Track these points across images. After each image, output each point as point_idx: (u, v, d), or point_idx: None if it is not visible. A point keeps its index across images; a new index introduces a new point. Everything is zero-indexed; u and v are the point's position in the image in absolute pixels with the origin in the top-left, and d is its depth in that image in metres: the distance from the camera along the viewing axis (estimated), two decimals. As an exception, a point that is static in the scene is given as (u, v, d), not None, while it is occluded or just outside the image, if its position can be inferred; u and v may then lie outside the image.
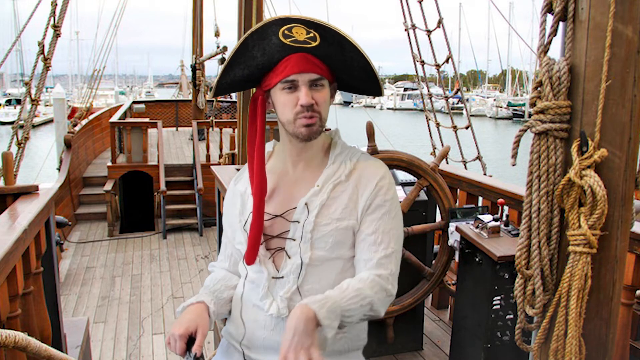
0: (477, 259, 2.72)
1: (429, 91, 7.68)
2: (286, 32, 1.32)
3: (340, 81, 1.47)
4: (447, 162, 5.63)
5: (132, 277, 6.68)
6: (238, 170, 3.87)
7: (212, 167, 4.09)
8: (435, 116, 7.22)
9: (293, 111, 1.36)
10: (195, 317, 1.39)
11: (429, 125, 7.29)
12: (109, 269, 6.97)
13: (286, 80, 1.35)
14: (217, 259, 1.69)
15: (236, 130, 5.26)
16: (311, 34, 1.32)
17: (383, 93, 1.51)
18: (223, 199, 3.58)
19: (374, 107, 62.63)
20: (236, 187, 1.58)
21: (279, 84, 1.37)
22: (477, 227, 2.81)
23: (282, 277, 1.42)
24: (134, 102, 15.08)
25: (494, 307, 2.62)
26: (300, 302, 1.28)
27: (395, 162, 2.97)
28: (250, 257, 1.42)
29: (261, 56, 1.37)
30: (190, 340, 1.36)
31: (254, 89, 1.49)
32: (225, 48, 10.13)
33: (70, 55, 52.65)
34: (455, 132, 6.84)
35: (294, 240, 1.41)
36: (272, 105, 1.45)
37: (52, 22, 5.96)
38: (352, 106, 62.87)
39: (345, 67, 1.40)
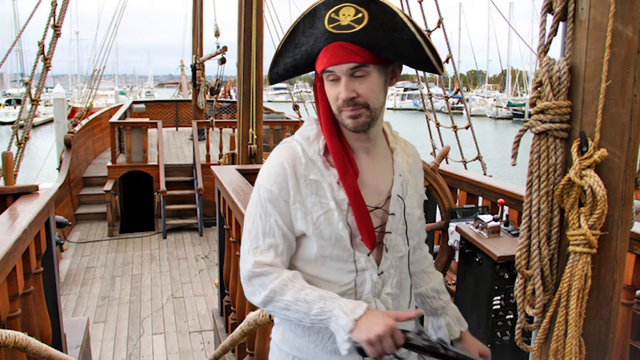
0: (477, 259, 2.72)
1: (429, 91, 7.67)
2: (333, 15, 1.24)
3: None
4: (447, 162, 5.63)
5: (132, 277, 6.68)
6: (238, 170, 3.85)
7: (212, 167, 4.09)
8: (435, 116, 7.22)
9: (336, 104, 1.30)
10: (382, 312, 1.28)
11: (429, 125, 7.30)
12: (109, 269, 6.97)
13: (326, 71, 1.28)
14: (252, 253, 1.34)
15: (236, 130, 5.26)
16: (360, 14, 1.23)
17: (443, 71, 1.32)
18: (223, 199, 3.57)
19: (374, 107, 62.36)
20: (309, 177, 1.33)
21: (323, 74, 1.31)
22: (477, 227, 2.81)
23: (383, 273, 1.37)
24: (134, 102, 15.09)
25: (494, 307, 2.62)
26: (461, 330, 1.63)
27: (395, 162, 2.97)
28: (371, 241, 1.31)
29: (305, 44, 1.30)
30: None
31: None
32: (225, 48, 10.12)
33: (70, 55, 52.56)
34: (455, 132, 6.84)
35: (390, 233, 1.36)
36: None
37: (52, 22, 5.97)
38: (352, 106, 62.67)
39: (393, 46, 1.26)
